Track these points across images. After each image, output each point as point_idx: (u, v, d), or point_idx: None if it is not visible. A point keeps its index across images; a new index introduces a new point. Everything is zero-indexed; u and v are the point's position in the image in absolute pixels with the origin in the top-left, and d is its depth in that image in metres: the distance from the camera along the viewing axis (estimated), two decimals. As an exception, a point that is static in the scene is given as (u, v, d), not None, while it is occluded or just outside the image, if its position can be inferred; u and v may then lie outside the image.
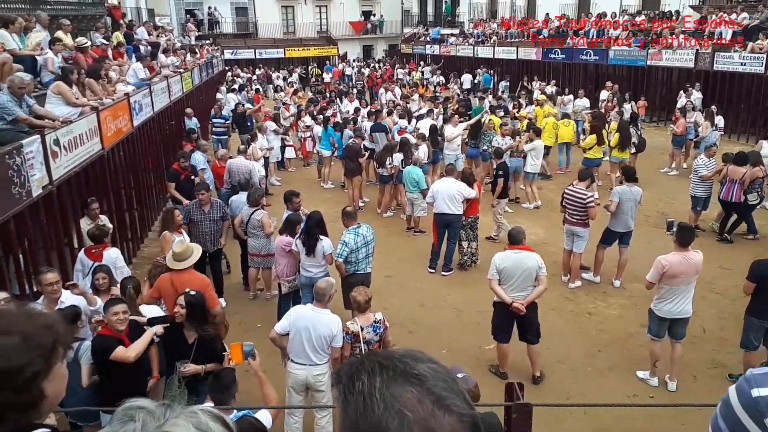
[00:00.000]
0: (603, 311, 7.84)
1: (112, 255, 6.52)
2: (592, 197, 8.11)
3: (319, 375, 5.05)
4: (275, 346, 5.27)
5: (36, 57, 9.03)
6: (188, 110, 14.84)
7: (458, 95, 20.69)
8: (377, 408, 0.81)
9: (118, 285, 5.76)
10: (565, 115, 14.88)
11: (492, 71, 27.87)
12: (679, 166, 14.07)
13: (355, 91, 23.15)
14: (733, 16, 19.32)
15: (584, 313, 7.80)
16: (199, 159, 10.57)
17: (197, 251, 5.87)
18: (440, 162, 12.58)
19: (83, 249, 6.69)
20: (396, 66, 32.70)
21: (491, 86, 25.41)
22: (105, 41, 13.04)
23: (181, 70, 15.90)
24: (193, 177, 9.63)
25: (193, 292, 4.84)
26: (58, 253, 6.90)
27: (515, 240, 6.16)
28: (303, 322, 4.98)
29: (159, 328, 4.65)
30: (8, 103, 6.60)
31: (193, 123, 14.40)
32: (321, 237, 6.78)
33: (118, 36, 14.19)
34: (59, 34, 10.48)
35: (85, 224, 7.31)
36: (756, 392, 0.82)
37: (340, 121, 14.37)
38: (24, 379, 1.28)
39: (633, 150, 12.68)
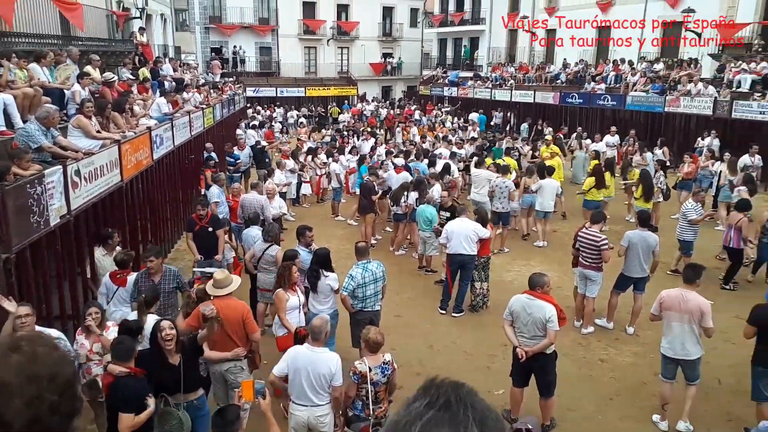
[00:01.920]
0: (615, 358, 7.68)
1: (133, 281, 6.63)
2: (605, 240, 8.05)
3: (321, 416, 4.96)
4: (274, 388, 5.20)
5: (64, 90, 9.35)
6: (208, 145, 15.12)
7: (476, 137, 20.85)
8: None
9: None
10: (597, 155, 15.10)
11: (499, 112, 28.48)
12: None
13: (377, 131, 23.49)
14: (753, 65, 19.41)
15: (596, 360, 7.64)
16: (213, 192, 10.75)
17: (237, 281, 5.93)
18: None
19: (108, 273, 6.84)
20: (414, 107, 33.18)
21: (485, 128, 25.82)
22: (132, 76, 13.46)
23: (204, 106, 16.28)
24: (210, 229, 8.62)
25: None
26: (70, 281, 6.98)
27: (530, 285, 6.09)
28: (301, 362, 4.90)
29: (151, 404, 4.50)
30: (36, 132, 6.87)
31: (212, 157, 14.66)
32: (325, 273, 6.76)
33: (144, 72, 14.65)
34: (88, 68, 10.83)
35: (100, 254, 7.42)
36: None
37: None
38: (73, 386, 1.36)
39: (659, 198, 12.62)
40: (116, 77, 11.73)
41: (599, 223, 8.27)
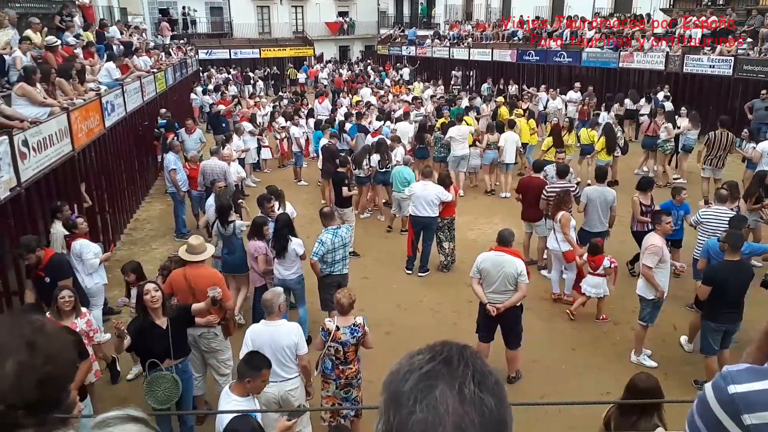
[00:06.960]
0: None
1: (77, 247, 6.71)
2: (576, 187, 8.56)
3: (292, 390, 4.90)
4: None
5: (4, 56, 8.85)
6: (162, 110, 14.66)
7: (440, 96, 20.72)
8: None
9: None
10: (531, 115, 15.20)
11: (458, 71, 28.20)
12: (651, 168, 14.08)
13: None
14: (702, 18, 19.77)
15: (560, 313, 7.88)
16: (170, 159, 10.47)
17: (211, 248, 5.97)
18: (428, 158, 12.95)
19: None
20: (369, 67, 32.65)
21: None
22: (76, 39, 12.80)
23: (155, 71, 15.69)
24: (48, 279, 5.89)
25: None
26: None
27: (501, 241, 6.18)
28: (261, 340, 4.80)
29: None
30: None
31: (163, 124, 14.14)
32: (291, 238, 6.71)
33: (89, 35, 13.94)
34: (28, 32, 10.26)
35: (55, 229, 7.15)
36: (732, 389, 0.82)
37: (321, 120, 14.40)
38: (66, 372, 1.35)
39: (618, 153, 12.83)
40: (59, 41, 11.13)
41: (566, 176, 8.78)
